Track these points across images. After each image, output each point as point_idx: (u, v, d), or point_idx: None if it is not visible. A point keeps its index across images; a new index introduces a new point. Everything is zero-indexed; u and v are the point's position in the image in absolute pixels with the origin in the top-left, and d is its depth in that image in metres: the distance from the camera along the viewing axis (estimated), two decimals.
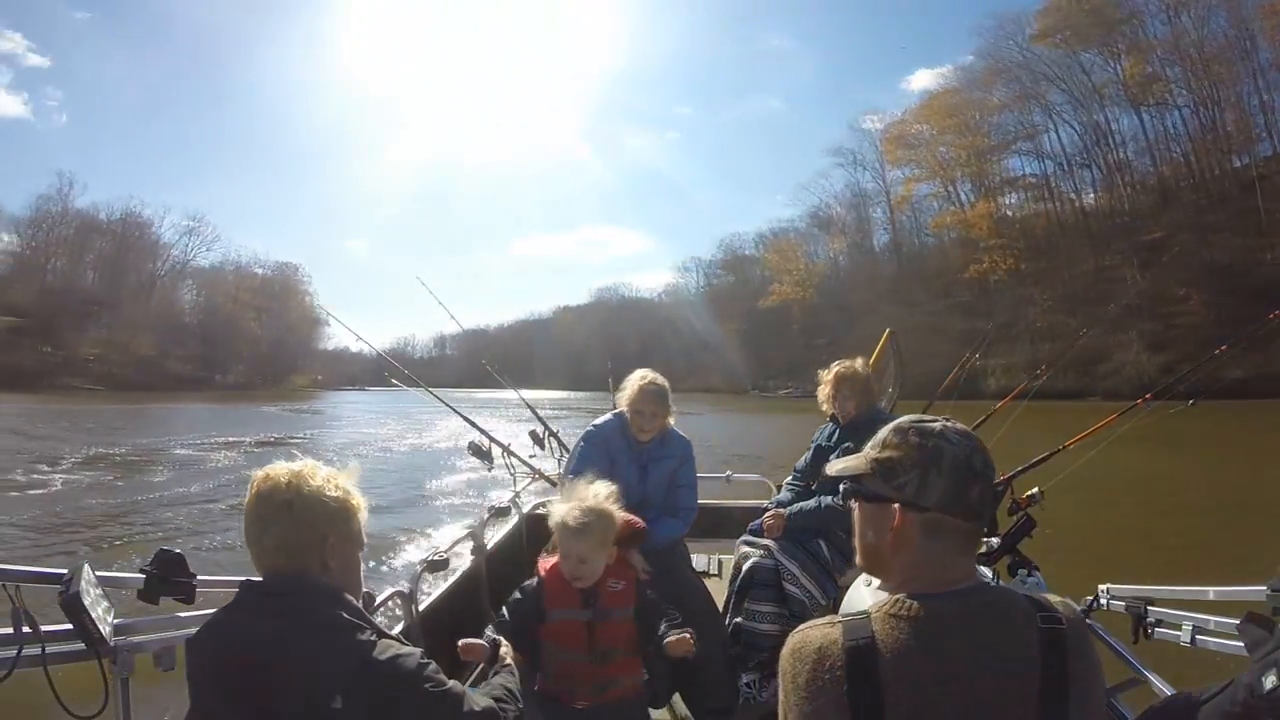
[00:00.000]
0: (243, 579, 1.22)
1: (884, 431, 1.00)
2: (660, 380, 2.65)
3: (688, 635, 1.78)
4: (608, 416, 2.77)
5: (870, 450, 1.00)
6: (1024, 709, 0.85)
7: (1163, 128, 47.59)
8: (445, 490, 11.71)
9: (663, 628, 1.82)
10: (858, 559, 1.03)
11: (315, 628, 1.04)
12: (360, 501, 1.20)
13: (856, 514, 1.02)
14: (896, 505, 0.95)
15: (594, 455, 2.66)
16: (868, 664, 0.85)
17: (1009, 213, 54.69)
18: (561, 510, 1.83)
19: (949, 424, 0.98)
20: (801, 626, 0.94)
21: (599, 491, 1.87)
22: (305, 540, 1.11)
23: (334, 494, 1.15)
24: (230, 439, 18.91)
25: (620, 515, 1.89)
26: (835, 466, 1.07)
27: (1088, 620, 1.49)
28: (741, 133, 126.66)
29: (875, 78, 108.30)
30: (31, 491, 10.73)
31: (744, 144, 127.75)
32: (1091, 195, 51.45)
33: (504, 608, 1.90)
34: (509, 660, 1.63)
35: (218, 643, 1.07)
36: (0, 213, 61.21)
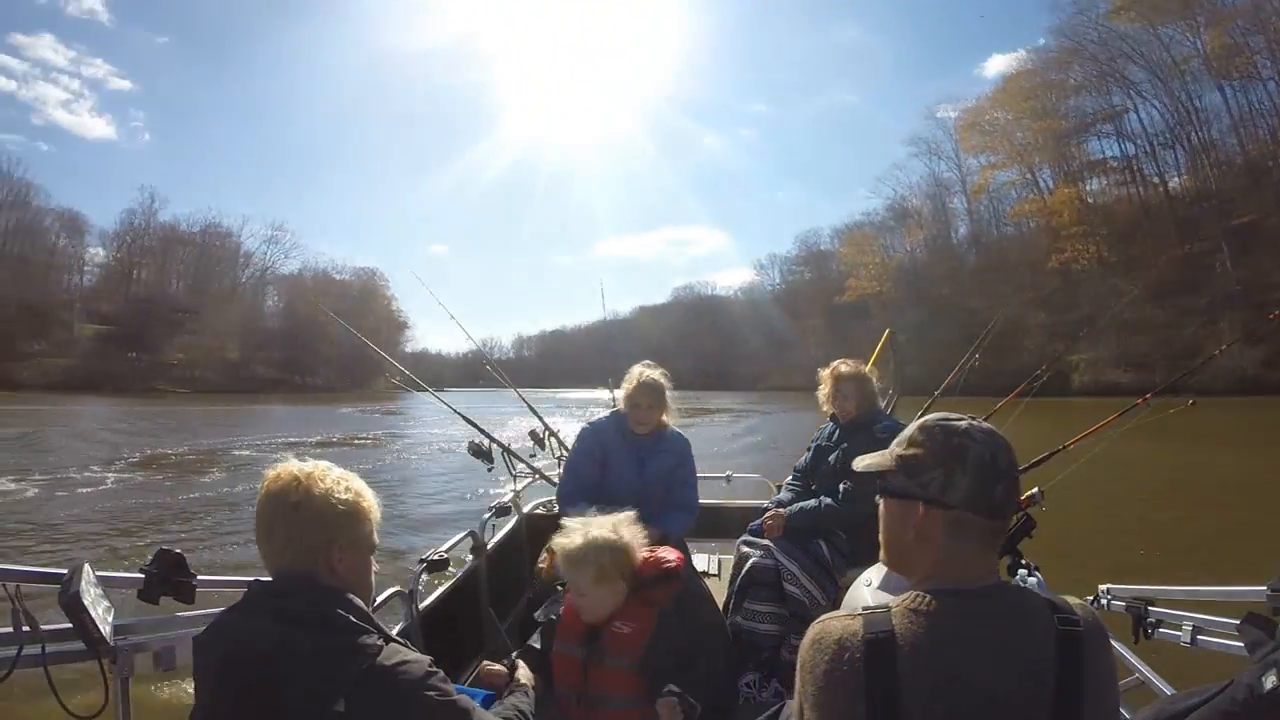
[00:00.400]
0: (243, 579, 1.22)
1: (910, 429, 1.01)
2: (657, 375, 2.67)
3: (675, 704, 1.59)
4: (605, 414, 2.79)
5: (896, 447, 1.01)
6: (1038, 709, 0.85)
7: (1248, 103, 44.14)
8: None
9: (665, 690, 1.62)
10: (882, 555, 1.04)
11: (320, 630, 1.03)
12: (372, 505, 1.19)
13: (882, 510, 1.03)
14: (921, 503, 0.96)
15: (588, 450, 2.69)
16: (886, 657, 0.86)
17: (1091, 199, 51.51)
18: (561, 537, 1.72)
19: (974, 422, 0.99)
20: (823, 617, 0.95)
21: (610, 522, 1.74)
22: (312, 542, 1.11)
23: (344, 496, 1.14)
24: (295, 440, 19.00)
25: (638, 553, 1.73)
26: (861, 463, 1.08)
27: None
28: (818, 128, 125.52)
29: (949, 66, 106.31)
30: (81, 490, 10.78)
31: (821, 139, 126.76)
32: (1177, 178, 48.01)
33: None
34: (525, 681, 1.57)
35: (223, 642, 1.06)
36: (89, 228, 64.89)
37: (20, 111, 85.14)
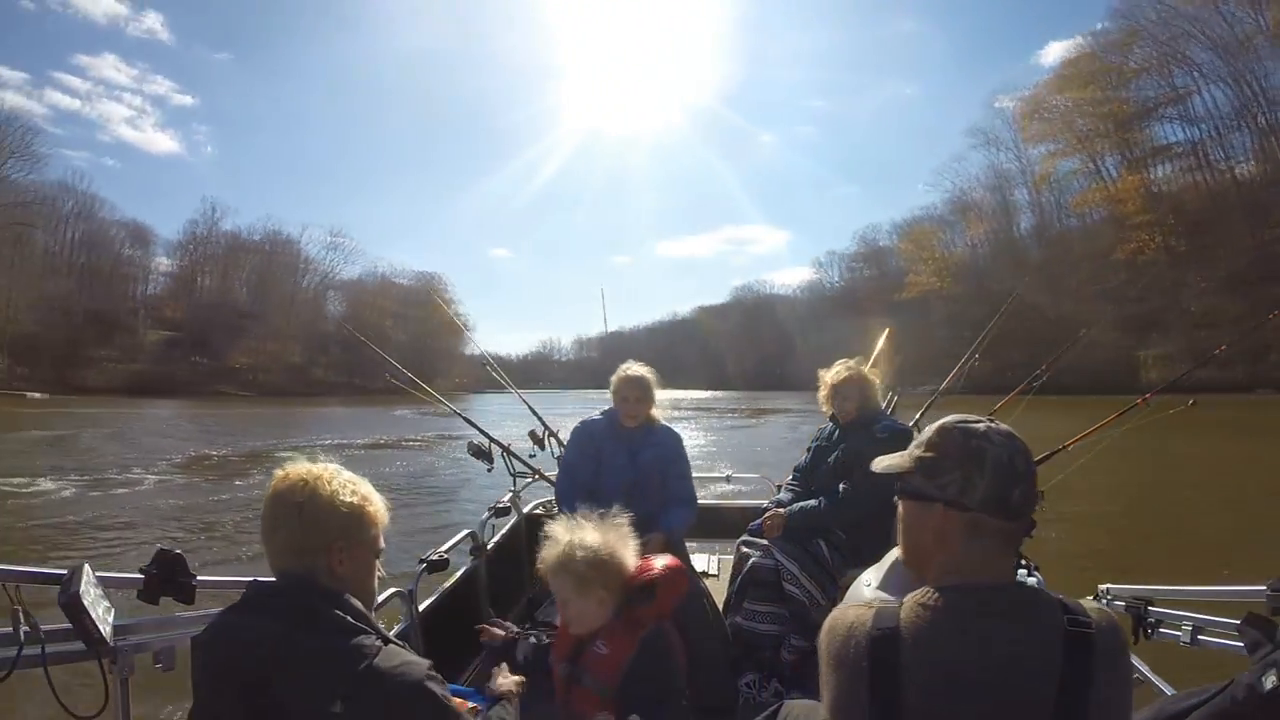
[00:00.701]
0: (242, 579, 1.22)
1: (929, 431, 1.02)
2: (641, 369, 2.76)
3: None
4: (597, 414, 2.84)
5: (914, 449, 1.03)
6: (1039, 709, 0.85)
7: None
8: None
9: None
10: (901, 555, 1.05)
11: (318, 630, 1.03)
12: (379, 509, 1.19)
13: (900, 511, 1.05)
14: (939, 504, 0.97)
15: (582, 447, 2.76)
16: (890, 647, 0.88)
17: (1157, 187, 49.17)
18: (546, 541, 1.65)
19: (993, 425, 0.99)
20: (841, 605, 0.99)
21: (596, 525, 1.66)
22: (313, 543, 1.11)
23: (348, 499, 1.14)
24: (344, 441, 18.83)
25: (627, 560, 1.62)
26: (881, 464, 1.10)
27: None
28: (876, 122, 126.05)
29: (1006, 55, 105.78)
30: (116, 491, 10.80)
31: (880, 133, 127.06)
32: (1246, 164, 45.59)
33: None
34: (508, 688, 1.54)
35: (221, 641, 1.07)
36: (155, 238, 68.31)
37: (87, 129, 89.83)
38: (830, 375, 2.90)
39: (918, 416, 3.62)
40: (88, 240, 64.63)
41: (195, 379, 57.14)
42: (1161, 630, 1.70)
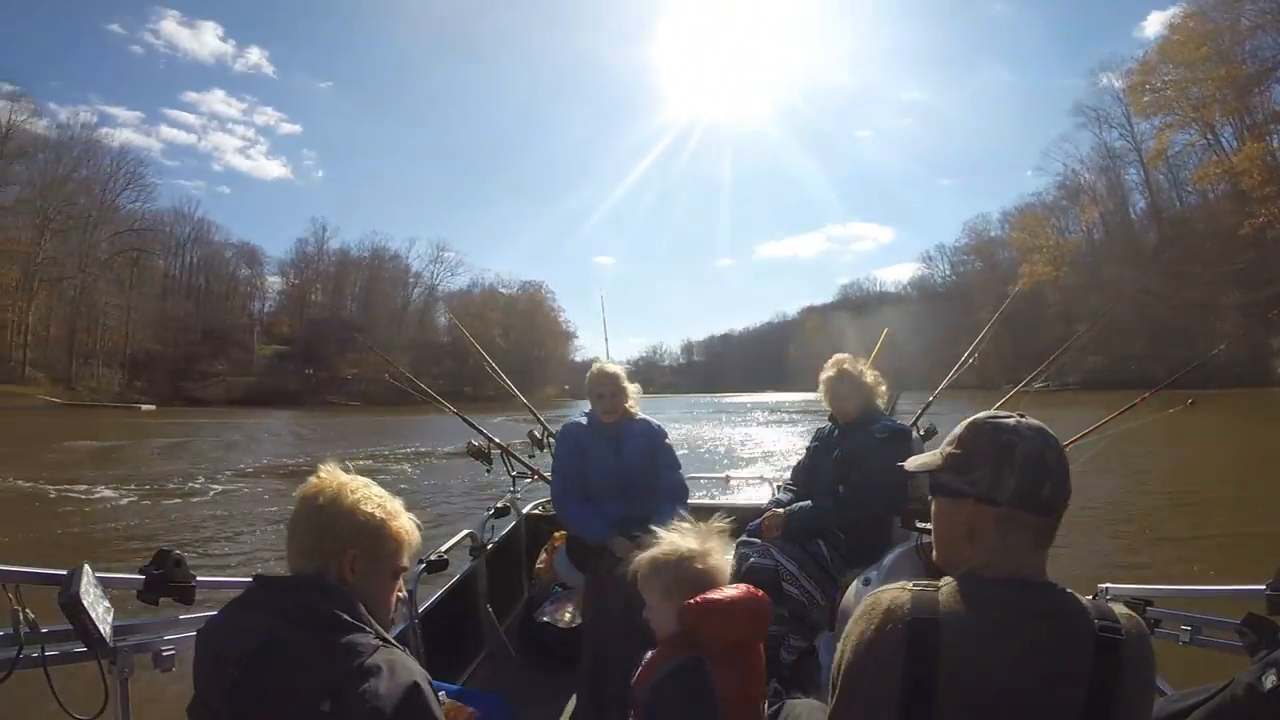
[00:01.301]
0: (242, 579, 1.22)
1: (960, 427, 1.02)
2: (609, 365, 2.82)
3: None
4: (581, 417, 2.89)
5: (945, 445, 1.02)
6: (1069, 709, 0.86)
7: None
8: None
9: None
10: (934, 553, 1.05)
11: (311, 626, 1.03)
12: (403, 529, 1.18)
13: (933, 508, 1.04)
14: (971, 500, 0.97)
15: (569, 448, 2.79)
16: (930, 632, 0.88)
17: None
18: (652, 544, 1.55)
19: (1023, 420, 0.99)
20: (875, 590, 0.98)
21: (700, 534, 1.55)
22: (326, 546, 1.11)
23: (370, 510, 1.14)
24: (428, 449, 18.59)
25: (714, 579, 1.48)
26: (914, 463, 1.10)
27: None
28: (975, 111, 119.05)
29: (1105, 31, 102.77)
30: (167, 501, 10.75)
31: (979, 122, 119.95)
32: None
33: None
34: None
35: (218, 635, 1.07)
36: (267, 258, 73.89)
37: (201, 160, 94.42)
38: (824, 375, 2.91)
39: (916, 417, 3.62)
40: (204, 263, 70.48)
41: (306, 390, 59.25)
42: (1161, 630, 1.70)
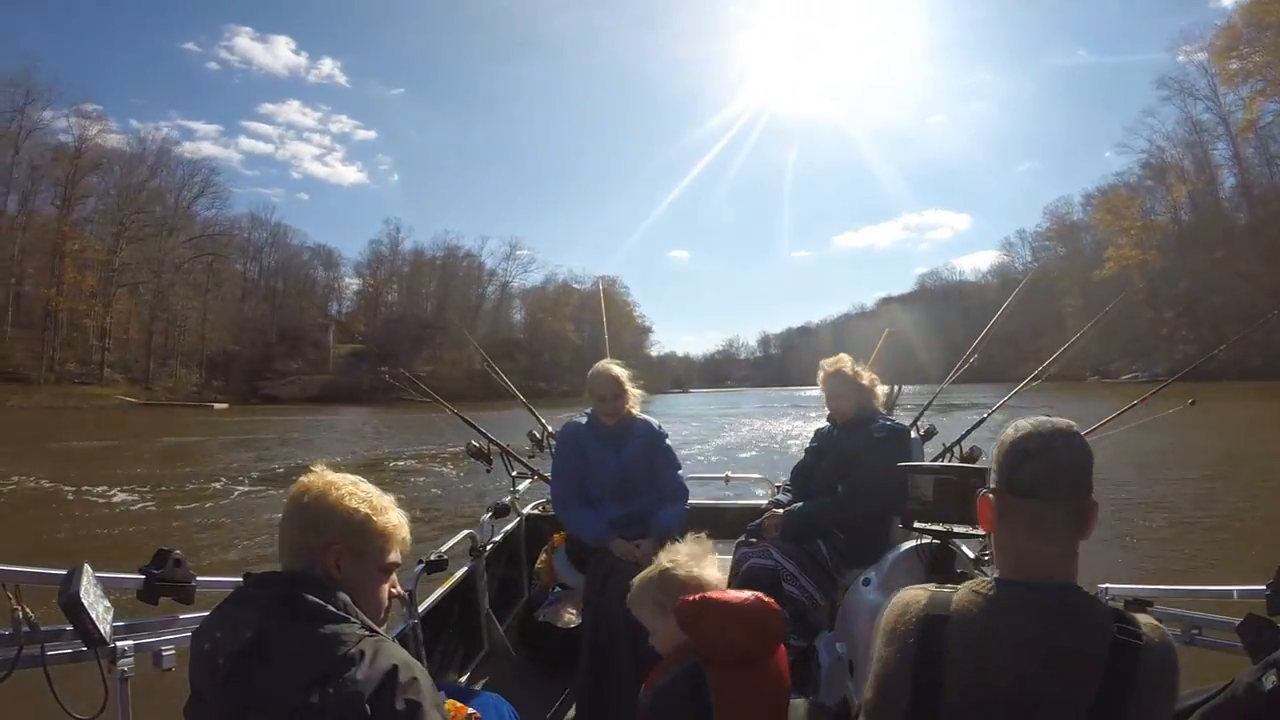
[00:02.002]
0: (241, 579, 1.22)
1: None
2: (611, 367, 2.80)
3: None
4: (580, 417, 2.88)
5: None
6: (1073, 710, 0.87)
7: None
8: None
9: None
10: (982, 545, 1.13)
11: (299, 617, 1.03)
12: (391, 524, 1.18)
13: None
14: (984, 491, 1.06)
15: (569, 449, 2.79)
16: (937, 628, 0.95)
17: None
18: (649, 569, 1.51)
19: (1043, 419, 1.05)
20: (903, 589, 1.07)
21: (692, 551, 1.49)
22: (311, 542, 1.12)
23: (354, 506, 1.15)
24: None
25: (702, 584, 1.42)
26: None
27: None
28: (1049, 91, 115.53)
29: (1179, 3, 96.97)
30: (182, 504, 10.65)
31: (1054, 102, 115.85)
32: None
33: None
34: None
35: (209, 632, 1.07)
36: (344, 260, 76.73)
37: (280, 169, 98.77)
38: (821, 374, 2.91)
39: (917, 416, 3.62)
40: (281, 266, 73.39)
41: (382, 388, 57.97)
42: None
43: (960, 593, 0.98)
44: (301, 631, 1.02)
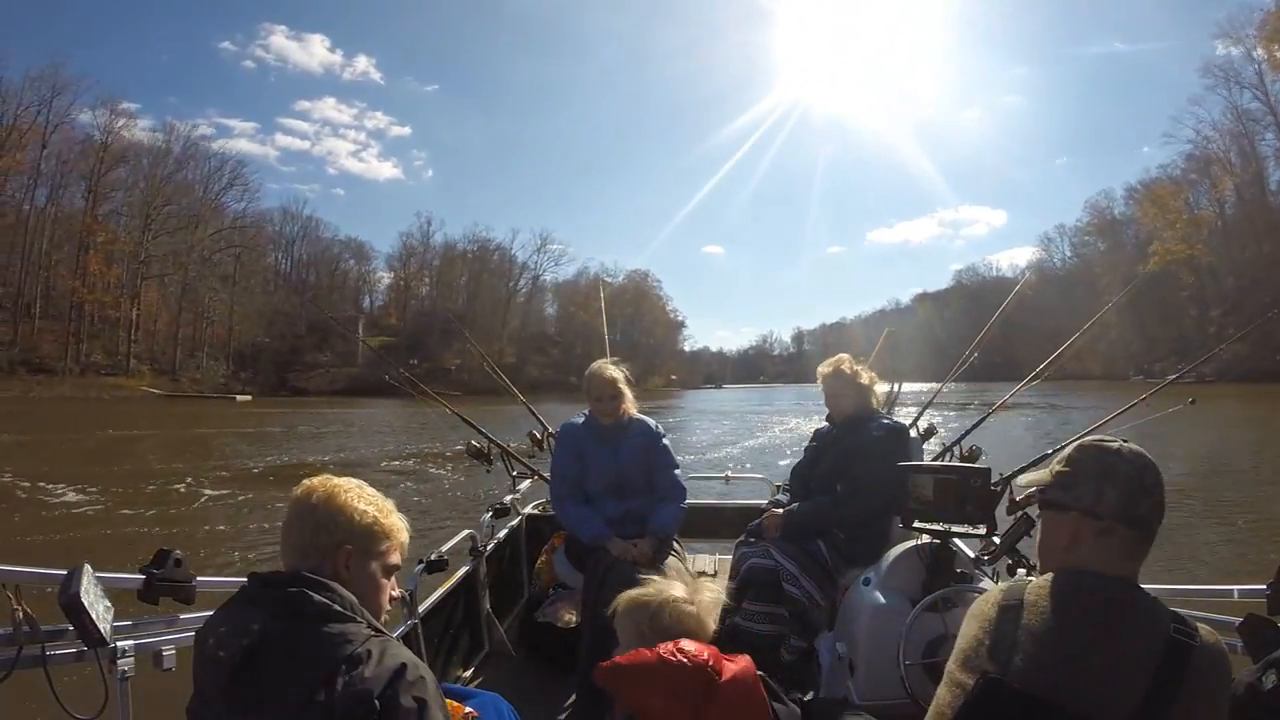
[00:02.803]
0: (241, 579, 1.22)
1: (1069, 448, 1.15)
2: (607, 368, 2.82)
3: None
4: (578, 417, 2.90)
5: (1056, 464, 1.15)
6: (1127, 696, 0.93)
7: None
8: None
9: None
10: (1039, 563, 1.17)
11: (304, 619, 1.03)
12: (394, 527, 1.20)
13: (1041, 521, 1.17)
14: (1075, 513, 1.08)
15: (568, 449, 2.82)
16: (1013, 614, 1.04)
17: None
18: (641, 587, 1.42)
19: (1125, 444, 1.11)
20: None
21: (683, 587, 1.38)
22: (321, 544, 1.12)
23: (363, 508, 1.16)
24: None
25: (692, 631, 1.31)
26: (1024, 479, 1.23)
27: None
28: (1087, 84, 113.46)
29: None
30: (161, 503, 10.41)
31: (1092, 96, 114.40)
32: None
33: None
34: None
35: (216, 632, 1.08)
36: (376, 253, 77.75)
37: (316, 165, 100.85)
38: (820, 373, 2.92)
39: (918, 415, 3.62)
40: (314, 259, 74.87)
41: (408, 380, 59.02)
42: None
43: (1035, 583, 1.07)
44: (308, 630, 1.02)
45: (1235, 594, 1.60)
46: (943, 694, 1.09)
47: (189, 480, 12.23)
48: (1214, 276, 50.28)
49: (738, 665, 1.21)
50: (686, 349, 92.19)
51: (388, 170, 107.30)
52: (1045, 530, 1.14)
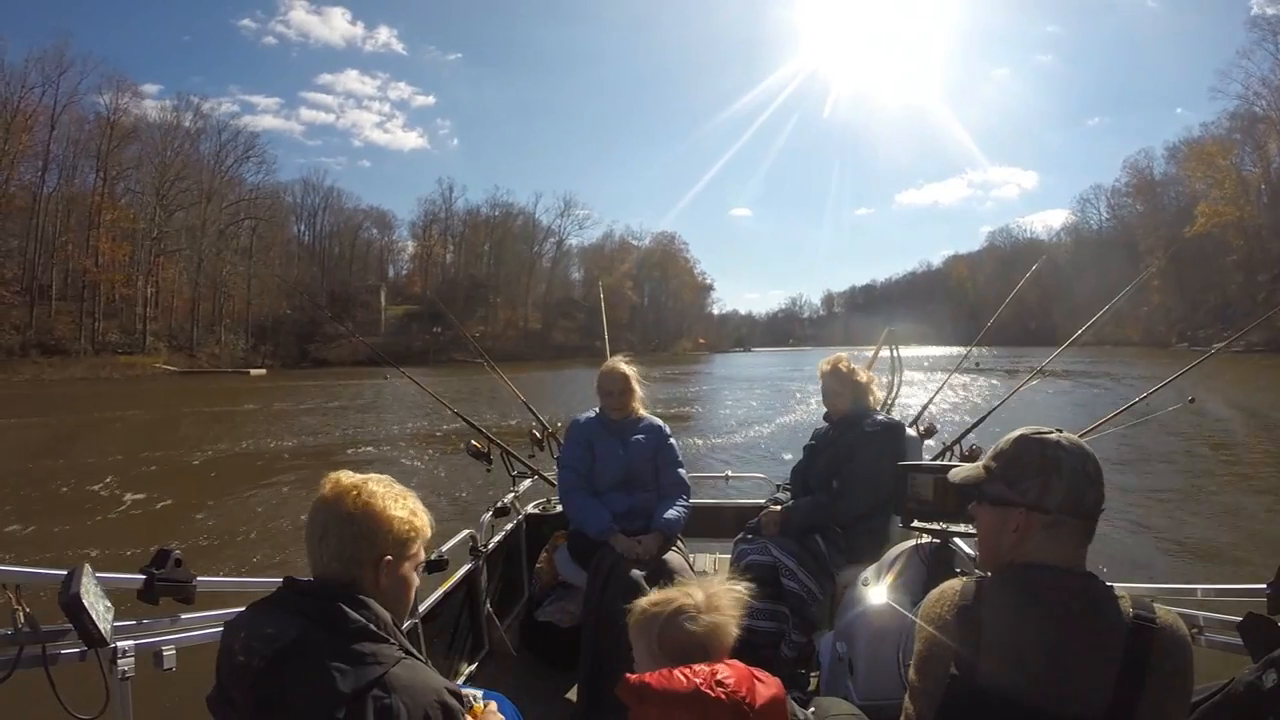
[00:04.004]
0: (242, 579, 1.22)
1: (1005, 441, 1.12)
2: (619, 364, 2.90)
3: None
4: (590, 412, 2.96)
5: (988, 458, 1.13)
6: (1096, 689, 0.94)
7: None
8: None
9: None
10: (979, 556, 1.16)
11: (338, 632, 1.03)
12: (425, 525, 1.20)
13: (979, 515, 1.14)
14: (1021, 509, 1.06)
15: (577, 441, 2.87)
16: (974, 610, 1.02)
17: None
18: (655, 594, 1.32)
19: (1062, 434, 1.10)
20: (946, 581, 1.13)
21: (707, 591, 1.26)
22: (363, 555, 1.11)
23: (401, 514, 1.14)
24: (505, 414, 15.39)
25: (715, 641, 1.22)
26: (958, 475, 1.19)
27: None
28: (1120, 41, 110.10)
29: None
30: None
31: (1125, 54, 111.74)
32: None
33: None
34: None
35: (248, 629, 1.07)
36: (399, 221, 77.68)
37: (341, 138, 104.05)
38: (819, 372, 2.93)
39: (918, 415, 3.62)
40: (336, 229, 74.62)
41: (434, 349, 58.73)
42: None
43: (993, 577, 1.06)
44: (340, 646, 1.02)
45: (1235, 594, 1.60)
46: (910, 708, 1.06)
47: (115, 475, 11.22)
48: (1260, 240, 47.33)
49: (770, 691, 1.12)
50: (715, 312, 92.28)
51: (413, 140, 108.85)
52: (988, 525, 1.12)
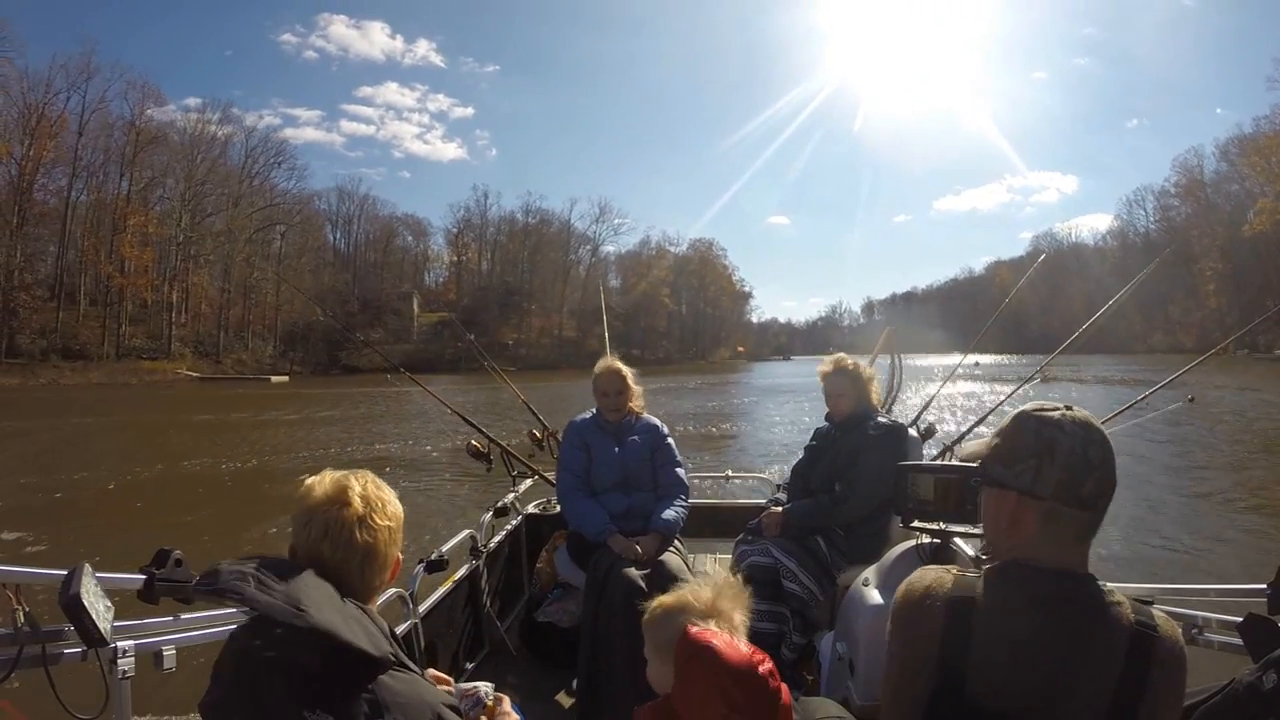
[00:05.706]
0: None
1: (1006, 419, 1.04)
2: (616, 365, 2.88)
3: None
4: (586, 413, 2.95)
5: (993, 436, 1.05)
6: (1097, 696, 0.89)
7: None
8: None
9: None
10: (983, 546, 1.08)
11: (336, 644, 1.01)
12: (401, 517, 1.20)
13: (982, 497, 1.06)
14: (1014, 492, 0.99)
15: (574, 443, 2.87)
16: (964, 612, 0.94)
17: None
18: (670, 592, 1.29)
19: (1068, 413, 1.00)
20: (921, 568, 1.03)
21: (714, 587, 1.23)
22: (372, 582, 1.13)
23: (392, 526, 1.15)
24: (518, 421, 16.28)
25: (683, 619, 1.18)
26: (964, 449, 1.13)
27: None
28: (1157, 42, 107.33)
29: None
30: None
31: (1163, 54, 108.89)
32: None
33: None
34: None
35: (242, 635, 1.06)
36: (434, 229, 78.18)
37: (382, 149, 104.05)
38: (820, 372, 2.93)
39: (916, 415, 3.62)
40: (369, 239, 75.46)
41: (466, 357, 58.84)
42: None
43: (986, 575, 0.97)
44: (338, 657, 1.00)
45: (1235, 594, 1.60)
46: (890, 715, 0.99)
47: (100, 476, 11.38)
48: None
49: (787, 695, 1.13)
50: (754, 320, 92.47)
51: (452, 151, 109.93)
52: (986, 509, 1.05)
